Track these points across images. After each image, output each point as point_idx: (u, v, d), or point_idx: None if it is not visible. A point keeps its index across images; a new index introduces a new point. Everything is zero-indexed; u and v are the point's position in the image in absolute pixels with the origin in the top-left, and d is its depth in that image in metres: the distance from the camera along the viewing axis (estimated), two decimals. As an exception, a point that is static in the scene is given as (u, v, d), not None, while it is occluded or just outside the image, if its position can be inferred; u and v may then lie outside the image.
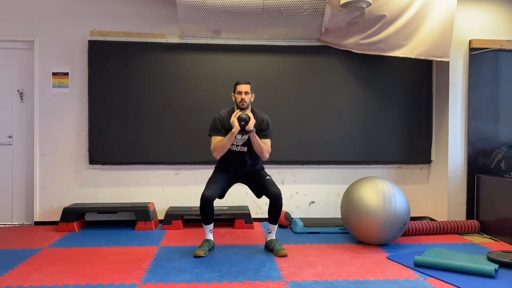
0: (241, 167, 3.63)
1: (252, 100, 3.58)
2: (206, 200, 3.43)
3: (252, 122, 3.40)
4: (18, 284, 2.84)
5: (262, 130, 3.54)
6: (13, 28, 4.50)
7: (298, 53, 4.69)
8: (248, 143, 3.52)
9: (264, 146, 3.49)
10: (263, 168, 3.75)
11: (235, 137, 3.46)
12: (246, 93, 3.50)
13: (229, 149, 3.52)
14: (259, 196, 3.70)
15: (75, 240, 3.94)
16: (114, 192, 4.63)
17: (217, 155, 3.52)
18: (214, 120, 3.57)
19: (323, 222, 4.39)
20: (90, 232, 4.26)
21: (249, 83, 3.55)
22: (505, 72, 4.48)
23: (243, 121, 3.37)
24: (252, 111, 3.55)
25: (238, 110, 3.47)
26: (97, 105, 4.55)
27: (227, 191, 3.69)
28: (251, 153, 3.57)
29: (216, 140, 3.50)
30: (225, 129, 3.50)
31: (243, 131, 3.42)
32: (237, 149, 3.55)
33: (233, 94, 3.58)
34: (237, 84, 3.55)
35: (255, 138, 3.44)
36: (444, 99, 4.61)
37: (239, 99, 3.50)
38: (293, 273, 3.08)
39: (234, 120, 3.40)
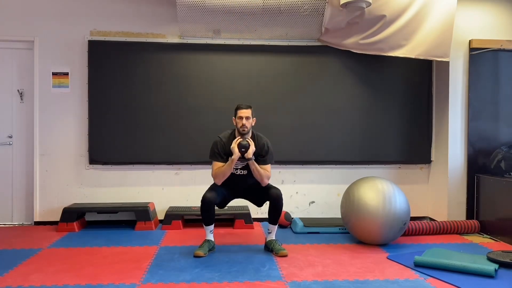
0: (242, 185, 3.66)
1: (253, 124, 3.59)
2: (207, 203, 3.45)
3: (252, 149, 3.43)
4: (18, 284, 2.84)
5: (262, 156, 3.56)
6: (13, 28, 4.50)
7: (298, 53, 4.69)
8: (248, 167, 3.54)
9: (264, 172, 3.51)
10: None
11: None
12: (247, 118, 3.50)
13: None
14: (260, 205, 3.74)
15: (75, 240, 3.94)
16: (114, 192, 4.63)
17: (219, 182, 3.53)
18: (215, 144, 3.58)
19: (323, 222, 4.39)
20: (90, 232, 4.26)
21: (250, 108, 3.55)
22: (505, 72, 4.48)
23: (243, 148, 3.42)
24: (252, 135, 3.59)
25: (239, 137, 3.49)
26: (97, 105, 4.55)
27: (228, 202, 3.71)
28: (251, 177, 3.58)
29: (217, 166, 3.53)
30: (226, 154, 3.53)
31: (243, 157, 3.45)
32: (237, 172, 3.58)
33: (234, 118, 3.58)
34: (238, 108, 3.54)
35: (255, 166, 3.47)
36: (444, 99, 4.61)
37: (240, 124, 3.50)
38: (293, 273, 3.08)
39: (234, 146, 3.43)
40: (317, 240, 3.97)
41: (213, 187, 3.57)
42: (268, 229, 3.65)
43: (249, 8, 4.19)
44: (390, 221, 3.61)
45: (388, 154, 4.79)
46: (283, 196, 3.55)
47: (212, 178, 3.57)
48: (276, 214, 3.59)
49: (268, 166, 3.58)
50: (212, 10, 4.18)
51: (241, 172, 3.58)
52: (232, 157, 3.43)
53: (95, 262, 3.31)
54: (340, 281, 2.94)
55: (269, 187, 3.59)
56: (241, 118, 3.49)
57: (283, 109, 4.66)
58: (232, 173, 3.54)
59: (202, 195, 3.46)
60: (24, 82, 4.61)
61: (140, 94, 4.57)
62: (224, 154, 3.53)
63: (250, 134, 3.57)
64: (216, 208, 3.59)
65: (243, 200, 4.62)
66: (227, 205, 3.77)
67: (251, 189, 3.67)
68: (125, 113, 4.56)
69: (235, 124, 3.57)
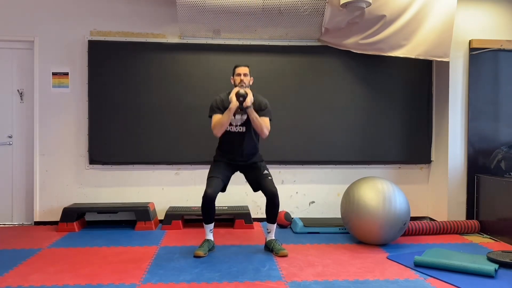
0: (240, 153, 3.59)
1: (251, 83, 3.62)
2: (208, 199, 3.43)
3: (250, 98, 3.42)
4: (18, 284, 2.84)
5: (261, 109, 3.56)
6: (13, 28, 4.50)
7: (298, 53, 4.69)
8: (247, 123, 3.53)
9: (263, 122, 3.51)
10: (263, 160, 3.71)
11: (234, 117, 3.50)
12: (245, 75, 3.57)
13: (229, 130, 3.53)
14: (255, 190, 3.68)
15: (75, 240, 3.94)
16: (114, 192, 4.63)
17: (217, 133, 3.51)
18: (214, 101, 3.60)
19: (323, 222, 4.39)
20: (90, 232, 4.26)
21: (247, 66, 3.62)
22: (505, 72, 4.48)
23: (241, 97, 3.40)
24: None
25: (237, 88, 3.50)
26: (97, 105, 4.55)
27: (227, 183, 3.65)
28: (250, 134, 3.57)
29: (216, 118, 3.52)
30: (225, 108, 3.50)
31: (241, 106, 3.42)
32: (236, 129, 3.56)
33: (232, 77, 3.64)
34: (236, 66, 3.62)
35: (254, 114, 3.45)
36: (444, 99, 4.61)
37: (238, 81, 3.55)
38: (293, 273, 3.08)
39: (232, 96, 3.44)
40: (317, 240, 3.97)
41: (211, 178, 3.51)
42: (267, 229, 3.64)
43: (249, 8, 4.19)
44: (390, 221, 3.61)
45: (388, 154, 4.79)
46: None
47: (213, 131, 3.51)
48: (273, 213, 3.57)
49: (267, 120, 3.56)
50: (212, 10, 4.18)
51: (239, 129, 3.56)
52: (230, 105, 3.42)
53: (95, 262, 3.31)
54: (340, 281, 2.94)
55: (267, 182, 3.54)
56: (239, 74, 3.57)
57: (283, 109, 4.65)
58: (230, 132, 3.54)
59: (202, 195, 3.45)
60: (24, 82, 4.61)
61: (140, 94, 4.57)
62: (223, 108, 3.51)
63: (248, 89, 3.57)
64: (216, 206, 3.55)
65: (243, 200, 4.67)
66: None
67: (250, 168, 3.61)
68: (125, 113, 4.56)
69: (233, 82, 3.62)
